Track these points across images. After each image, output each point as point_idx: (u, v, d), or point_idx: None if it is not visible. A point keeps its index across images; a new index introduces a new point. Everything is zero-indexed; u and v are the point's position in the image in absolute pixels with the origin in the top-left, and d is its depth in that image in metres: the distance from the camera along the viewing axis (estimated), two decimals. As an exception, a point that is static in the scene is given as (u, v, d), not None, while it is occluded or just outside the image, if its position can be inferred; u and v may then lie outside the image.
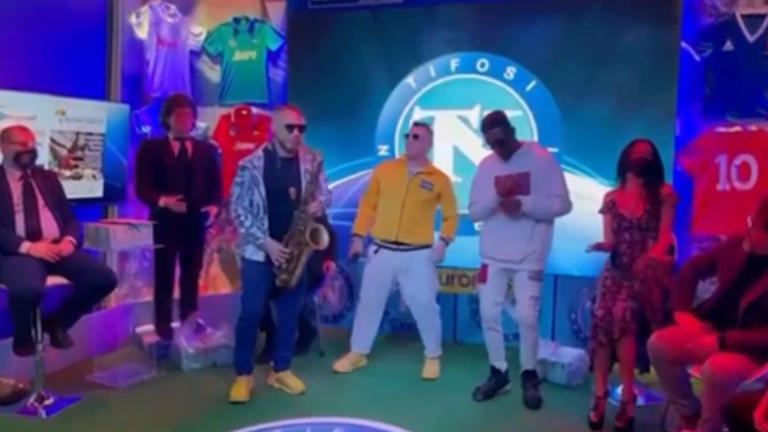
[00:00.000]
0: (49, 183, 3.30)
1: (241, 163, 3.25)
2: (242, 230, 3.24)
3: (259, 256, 3.25)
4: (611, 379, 3.16)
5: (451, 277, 4.24)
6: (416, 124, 3.84)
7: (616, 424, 3.01)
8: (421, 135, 3.68)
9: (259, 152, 3.28)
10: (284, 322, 3.49)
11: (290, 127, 3.22)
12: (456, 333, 4.36)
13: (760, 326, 2.46)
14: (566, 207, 3.30)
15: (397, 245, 3.64)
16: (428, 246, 3.69)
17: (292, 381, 3.44)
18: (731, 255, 2.66)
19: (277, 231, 3.22)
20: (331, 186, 4.37)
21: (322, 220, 4.09)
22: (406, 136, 3.73)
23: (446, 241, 3.69)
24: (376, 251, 3.69)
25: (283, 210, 3.22)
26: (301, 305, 3.54)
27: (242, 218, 3.20)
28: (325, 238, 3.28)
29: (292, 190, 3.23)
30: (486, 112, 3.50)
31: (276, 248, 3.19)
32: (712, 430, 2.47)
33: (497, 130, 3.25)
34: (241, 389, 3.30)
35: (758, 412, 2.03)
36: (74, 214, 3.37)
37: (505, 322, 3.59)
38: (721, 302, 2.64)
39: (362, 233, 3.78)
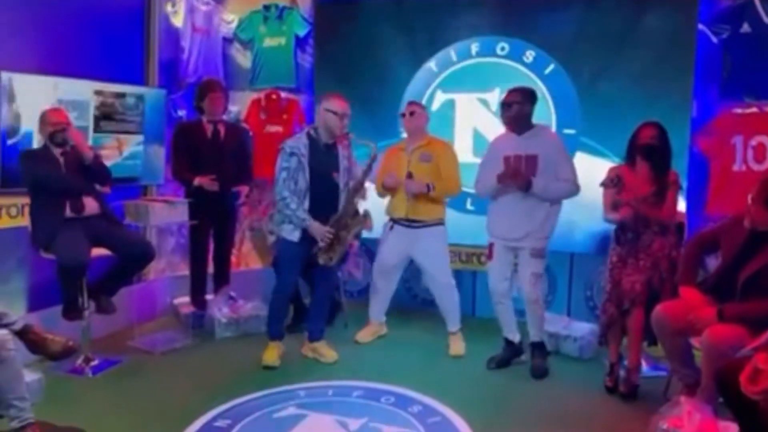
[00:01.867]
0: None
1: (288, 148, 3.38)
2: (288, 212, 3.39)
3: (294, 237, 3.43)
4: (620, 352, 3.30)
5: (470, 255, 4.40)
6: (410, 102, 3.94)
7: (621, 390, 3.17)
8: (417, 111, 3.81)
9: (304, 138, 3.43)
10: (318, 297, 3.69)
11: (342, 116, 3.41)
12: (475, 308, 4.53)
13: (757, 299, 2.57)
14: (574, 191, 3.40)
15: (409, 222, 3.79)
16: (440, 222, 3.82)
17: (326, 351, 3.63)
18: (734, 231, 2.76)
19: (321, 213, 3.40)
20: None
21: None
22: (402, 115, 3.84)
23: (429, 187, 3.67)
24: (391, 228, 3.86)
25: (326, 193, 3.43)
26: (335, 282, 3.72)
27: (288, 200, 3.37)
28: (370, 222, 3.63)
29: (335, 174, 3.45)
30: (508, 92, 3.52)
31: (322, 230, 3.38)
32: (710, 396, 2.59)
33: (519, 97, 3.39)
34: (273, 354, 3.53)
35: (744, 375, 2.15)
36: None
37: (519, 298, 3.74)
38: (723, 277, 2.75)
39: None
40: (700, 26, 3.83)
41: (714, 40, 3.86)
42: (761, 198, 2.58)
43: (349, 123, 3.47)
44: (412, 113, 3.81)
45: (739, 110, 3.81)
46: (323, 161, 3.42)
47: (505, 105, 3.42)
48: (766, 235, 2.61)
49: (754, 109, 3.77)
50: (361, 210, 3.63)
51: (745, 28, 3.75)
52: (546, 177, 3.32)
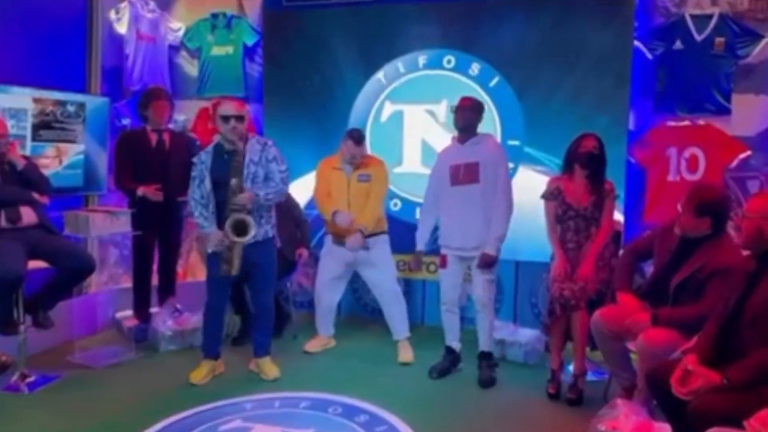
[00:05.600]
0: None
1: (194, 158, 3.42)
2: (193, 220, 3.42)
3: (210, 248, 3.40)
4: (564, 357, 3.40)
5: (407, 264, 4.42)
6: (358, 133, 3.83)
7: (568, 396, 3.26)
8: (363, 142, 3.83)
9: (210, 147, 3.43)
10: (257, 311, 3.61)
11: (226, 119, 3.29)
12: (424, 317, 4.57)
13: (688, 304, 2.68)
14: (510, 209, 3.46)
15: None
16: (382, 232, 3.86)
17: (267, 368, 3.54)
18: (666, 239, 2.87)
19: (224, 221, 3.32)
20: (303, 178, 4.60)
21: (295, 210, 4.30)
22: (355, 141, 3.76)
23: (361, 231, 3.70)
24: (334, 241, 3.87)
25: (226, 201, 3.31)
26: (273, 295, 3.62)
27: (192, 209, 3.42)
28: (248, 232, 3.26)
29: (233, 182, 3.29)
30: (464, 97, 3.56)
31: (215, 238, 3.31)
32: (645, 398, 2.70)
33: (471, 105, 3.48)
34: (200, 373, 3.45)
35: (674, 377, 2.24)
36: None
37: (469, 306, 3.80)
38: (656, 282, 2.86)
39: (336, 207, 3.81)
40: (636, 43, 3.98)
41: (649, 56, 4.01)
42: (690, 206, 2.70)
43: (242, 125, 3.31)
44: (360, 144, 3.78)
45: (672, 123, 3.98)
46: (223, 169, 3.32)
47: (458, 110, 3.47)
48: (695, 243, 2.73)
49: (687, 122, 3.94)
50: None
51: (678, 45, 3.92)
52: (486, 185, 3.41)
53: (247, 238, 3.28)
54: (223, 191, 3.31)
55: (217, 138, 3.45)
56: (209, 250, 3.41)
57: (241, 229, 3.27)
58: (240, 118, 3.34)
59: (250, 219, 3.29)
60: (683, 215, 2.72)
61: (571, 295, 3.20)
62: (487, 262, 3.43)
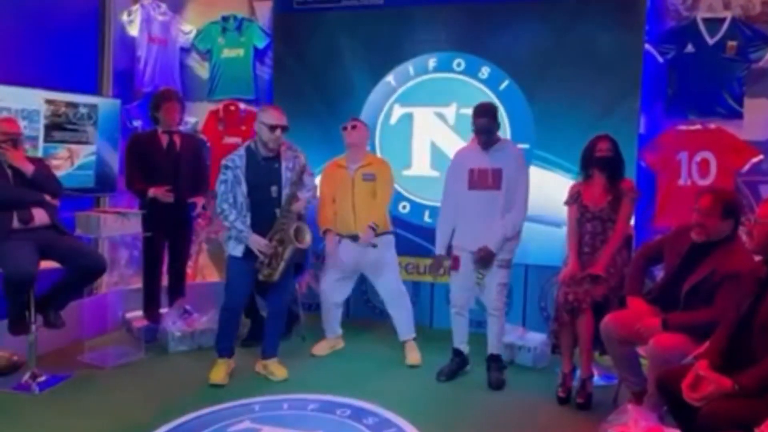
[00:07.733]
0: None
1: (224, 161, 3.39)
2: (226, 224, 3.38)
3: (238, 252, 3.39)
4: (573, 362, 3.37)
5: (427, 267, 4.43)
6: (352, 118, 4.04)
7: (577, 400, 3.25)
8: (358, 125, 3.90)
9: (242, 151, 3.42)
10: (271, 314, 3.63)
11: (272, 128, 3.34)
12: (433, 320, 4.56)
13: (699, 309, 2.66)
14: (524, 214, 3.47)
15: (357, 238, 3.82)
16: (387, 233, 3.86)
17: (276, 369, 3.56)
18: (677, 244, 2.86)
19: (260, 227, 3.36)
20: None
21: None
22: (344, 128, 3.90)
23: (373, 228, 3.77)
24: (339, 242, 3.88)
25: (264, 207, 3.37)
26: (289, 299, 3.65)
27: (226, 213, 3.35)
28: (308, 237, 3.42)
29: (273, 188, 3.38)
30: (479, 104, 3.54)
31: (260, 243, 3.33)
32: (655, 403, 2.68)
33: (486, 120, 3.42)
34: (219, 372, 3.46)
35: (686, 383, 2.23)
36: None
37: (478, 310, 3.79)
38: (667, 287, 2.84)
39: (331, 226, 3.91)
40: (647, 46, 3.97)
41: (660, 59, 4.00)
42: (717, 209, 2.67)
43: (284, 134, 3.38)
44: (354, 127, 3.87)
45: (683, 127, 3.95)
46: (261, 174, 3.37)
47: (480, 118, 3.41)
48: (706, 247, 2.72)
49: (698, 126, 3.92)
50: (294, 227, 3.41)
51: (689, 48, 3.90)
52: (506, 194, 3.40)
53: (306, 244, 3.41)
54: (259, 197, 3.36)
55: (248, 142, 3.48)
56: (232, 253, 3.40)
57: (299, 236, 3.37)
58: (285, 128, 3.38)
59: (306, 226, 3.42)
60: (709, 218, 2.68)
61: (575, 299, 3.18)
62: (484, 258, 3.39)
